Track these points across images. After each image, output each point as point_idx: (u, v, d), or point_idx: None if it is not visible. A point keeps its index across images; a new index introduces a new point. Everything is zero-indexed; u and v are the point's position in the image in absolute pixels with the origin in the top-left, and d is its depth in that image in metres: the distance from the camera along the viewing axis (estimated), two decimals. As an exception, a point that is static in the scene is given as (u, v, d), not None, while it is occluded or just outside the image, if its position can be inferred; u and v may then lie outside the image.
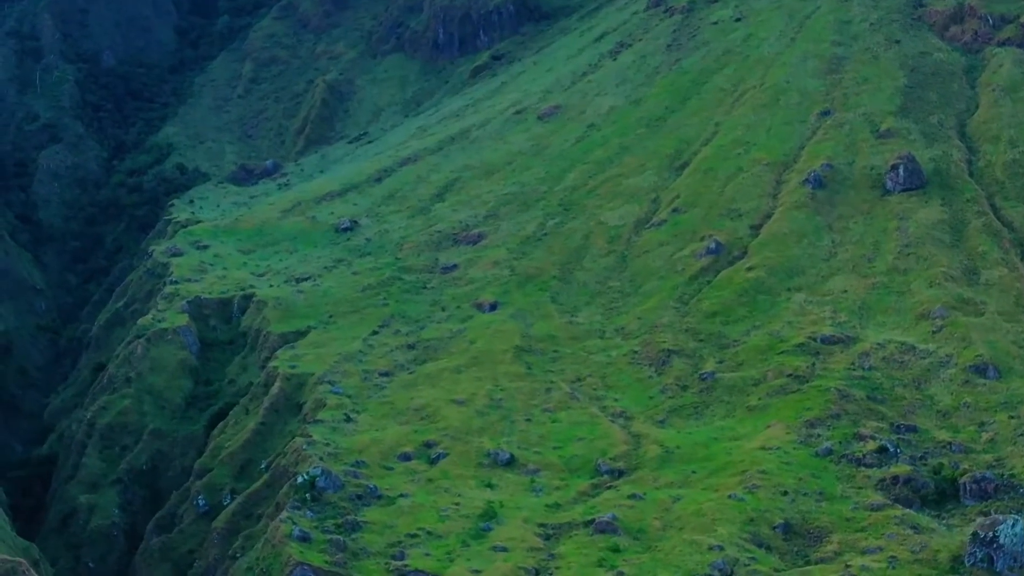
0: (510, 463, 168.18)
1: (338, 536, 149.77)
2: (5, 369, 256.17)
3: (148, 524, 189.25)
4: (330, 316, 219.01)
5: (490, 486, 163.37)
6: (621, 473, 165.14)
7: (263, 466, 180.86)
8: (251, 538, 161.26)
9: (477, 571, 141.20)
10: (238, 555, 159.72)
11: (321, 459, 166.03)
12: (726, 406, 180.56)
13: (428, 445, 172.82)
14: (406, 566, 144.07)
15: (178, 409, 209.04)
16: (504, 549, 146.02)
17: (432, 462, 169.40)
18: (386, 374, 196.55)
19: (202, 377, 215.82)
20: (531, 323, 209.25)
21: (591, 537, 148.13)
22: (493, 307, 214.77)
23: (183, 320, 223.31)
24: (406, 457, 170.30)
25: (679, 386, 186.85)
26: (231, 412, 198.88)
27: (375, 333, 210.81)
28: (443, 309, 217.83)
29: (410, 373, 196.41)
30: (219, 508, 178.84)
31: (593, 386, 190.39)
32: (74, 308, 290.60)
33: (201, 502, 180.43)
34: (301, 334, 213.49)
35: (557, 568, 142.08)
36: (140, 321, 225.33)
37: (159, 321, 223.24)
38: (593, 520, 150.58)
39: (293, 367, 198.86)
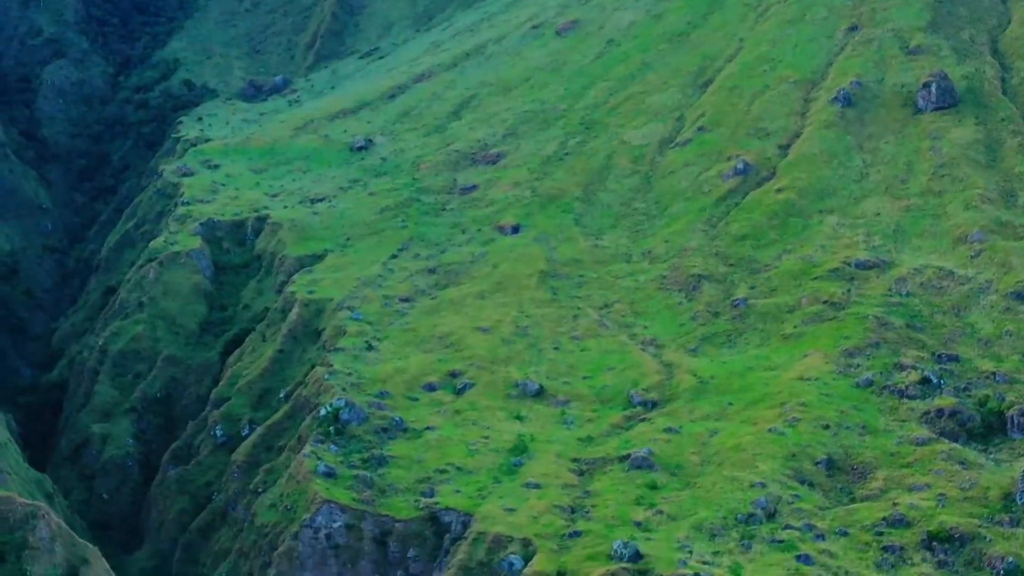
0: (539, 394, 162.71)
1: (364, 472, 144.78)
2: (12, 291, 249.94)
3: (163, 455, 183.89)
4: (347, 239, 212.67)
5: (519, 418, 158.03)
6: (654, 405, 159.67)
7: (282, 396, 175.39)
8: (273, 472, 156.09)
9: (510, 509, 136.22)
10: (260, 490, 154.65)
11: (344, 390, 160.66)
12: (760, 334, 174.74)
13: (453, 375, 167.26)
14: (436, 504, 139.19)
15: (192, 335, 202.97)
16: (537, 486, 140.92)
17: (458, 393, 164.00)
18: (407, 300, 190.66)
19: (216, 302, 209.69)
20: (555, 247, 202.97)
21: (627, 473, 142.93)
22: (515, 230, 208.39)
23: (196, 243, 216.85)
24: (431, 387, 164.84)
25: (711, 313, 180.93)
26: (247, 339, 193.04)
27: (394, 257, 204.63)
28: (463, 232, 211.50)
29: (432, 299, 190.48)
30: (237, 439, 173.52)
31: (621, 313, 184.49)
32: (81, 228, 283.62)
33: (218, 433, 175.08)
34: (318, 257, 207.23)
35: (593, 506, 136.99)
36: (152, 244, 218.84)
37: (171, 244, 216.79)
38: (628, 455, 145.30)
39: (311, 292, 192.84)
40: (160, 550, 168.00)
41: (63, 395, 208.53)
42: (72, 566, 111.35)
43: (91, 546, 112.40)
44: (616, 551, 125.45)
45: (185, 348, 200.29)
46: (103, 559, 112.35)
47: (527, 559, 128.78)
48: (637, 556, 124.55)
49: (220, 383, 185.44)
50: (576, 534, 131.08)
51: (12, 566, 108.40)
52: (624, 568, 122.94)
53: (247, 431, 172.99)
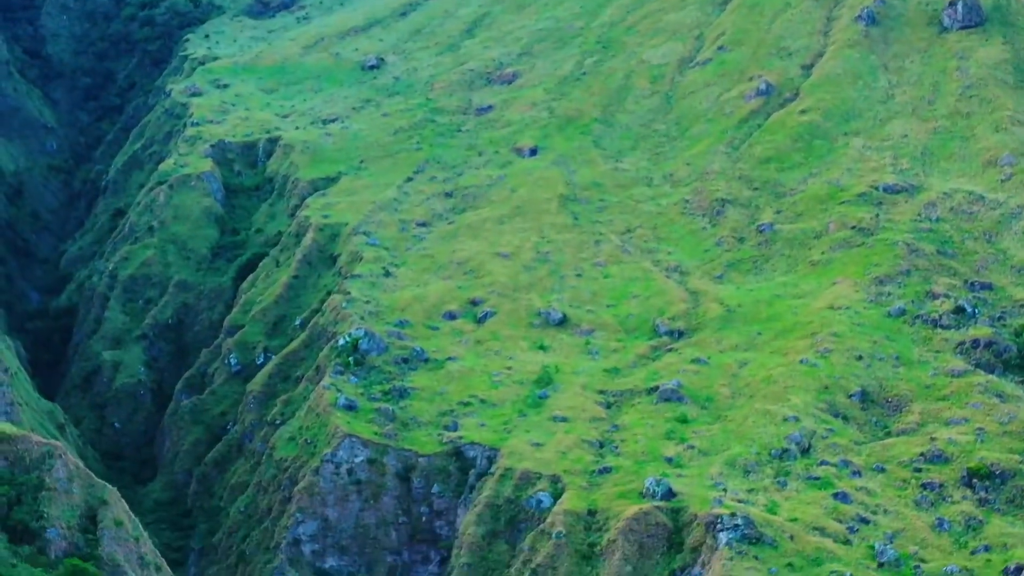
0: (562, 323, 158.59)
1: (386, 404, 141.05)
2: (18, 213, 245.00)
3: (176, 383, 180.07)
4: (361, 161, 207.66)
5: (543, 348, 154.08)
6: (681, 334, 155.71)
7: (297, 323, 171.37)
8: (290, 404, 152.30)
9: (537, 444, 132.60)
10: (277, 422, 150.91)
11: (362, 318, 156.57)
12: (787, 260, 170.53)
13: (474, 303, 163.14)
14: (460, 438, 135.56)
15: (204, 260, 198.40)
16: (564, 419, 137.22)
17: (479, 321, 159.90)
18: (424, 224, 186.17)
19: (228, 226, 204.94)
20: (574, 169, 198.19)
21: (655, 406, 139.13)
22: (533, 152, 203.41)
23: (206, 165, 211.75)
24: (451, 316, 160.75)
25: (735, 238, 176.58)
26: (261, 264, 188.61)
27: (410, 180, 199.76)
28: (480, 154, 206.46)
29: (449, 223, 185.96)
30: (252, 367, 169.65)
31: (644, 238, 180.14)
32: (87, 148, 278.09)
33: (233, 361, 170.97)
34: (331, 180, 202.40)
35: (622, 441, 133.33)
36: (161, 167, 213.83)
37: (181, 166, 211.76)
38: (657, 387, 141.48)
39: (326, 217, 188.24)
40: (174, 481, 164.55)
41: (72, 321, 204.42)
42: (90, 507, 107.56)
43: (109, 486, 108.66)
44: (648, 489, 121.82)
45: (196, 273, 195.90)
46: (122, 499, 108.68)
47: (556, 496, 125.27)
48: (670, 494, 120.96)
49: (234, 310, 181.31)
50: (606, 470, 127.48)
51: (28, 507, 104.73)
52: (657, 507, 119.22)
53: (262, 360, 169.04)
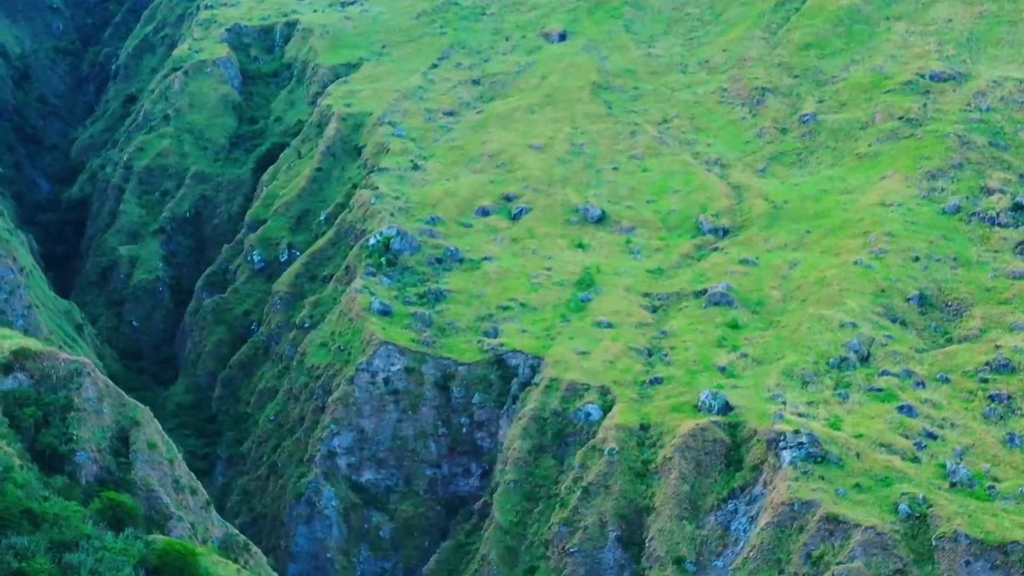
0: (601, 220, 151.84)
1: (422, 309, 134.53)
2: (25, 97, 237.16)
3: (195, 279, 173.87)
4: (383, 47, 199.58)
5: (582, 247, 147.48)
6: (726, 232, 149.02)
7: (322, 218, 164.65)
8: (320, 306, 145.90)
9: (583, 352, 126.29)
10: (306, 325, 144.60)
11: (392, 215, 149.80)
12: (832, 153, 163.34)
13: (508, 198, 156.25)
14: (502, 345, 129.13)
15: (222, 150, 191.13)
16: (609, 325, 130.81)
17: (514, 218, 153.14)
18: (451, 114, 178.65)
19: (246, 114, 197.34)
20: (606, 55, 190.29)
21: (704, 310, 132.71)
22: (562, 37, 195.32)
23: (223, 51, 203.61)
24: (484, 212, 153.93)
25: (777, 129, 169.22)
26: (281, 156, 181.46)
27: (434, 67, 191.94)
28: (507, 39, 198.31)
29: (478, 113, 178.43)
30: (276, 264, 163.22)
31: (681, 128, 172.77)
32: (94, 30, 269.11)
33: (256, 258, 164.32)
34: (353, 67, 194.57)
35: (672, 349, 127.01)
36: (175, 52, 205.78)
37: (196, 52, 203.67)
38: (705, 290, 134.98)
39: (348, 106, 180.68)
40: (197, 384, 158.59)
41: (85, 213, 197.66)
42: (122, 428, 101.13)
43: (141, 406, 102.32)
44: (703, 402, 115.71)
45: (214, 164, 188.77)
46: (155, 419, 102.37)
47: (605, 409, 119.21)
48: (726, 407, 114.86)
49: (255, 203, 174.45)
50: (656, 381, 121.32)
51: (57, 430, 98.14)
52: (714, 422, 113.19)
53: (286, 257, 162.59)
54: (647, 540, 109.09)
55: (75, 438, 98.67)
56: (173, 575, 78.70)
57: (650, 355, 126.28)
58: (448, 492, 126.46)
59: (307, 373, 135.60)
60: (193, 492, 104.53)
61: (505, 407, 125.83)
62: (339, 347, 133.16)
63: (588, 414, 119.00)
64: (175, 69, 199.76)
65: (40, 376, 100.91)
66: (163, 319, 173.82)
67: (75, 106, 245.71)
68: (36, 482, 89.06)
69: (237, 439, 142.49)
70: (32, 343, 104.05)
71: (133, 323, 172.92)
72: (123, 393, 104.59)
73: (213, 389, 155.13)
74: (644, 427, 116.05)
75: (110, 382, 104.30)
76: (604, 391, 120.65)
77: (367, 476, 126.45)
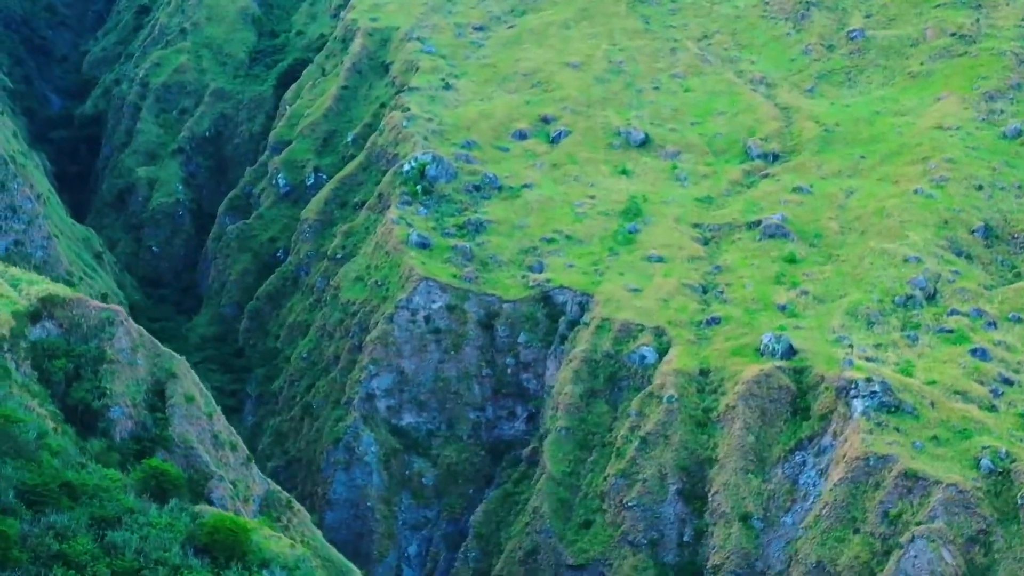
0: (645, 144, 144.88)
1: (461, 241, 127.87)
2: (32, 7, 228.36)
3: (216, 202, 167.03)
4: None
5: (625, 173, 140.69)
6: (775, 157, 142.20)
7: (350, 139, 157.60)
8: (352, 236, 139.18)
9: (634, 290, 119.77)
10: (338, 256, 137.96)
11: (425, 139, 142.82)
12: (883, 71, 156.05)
13: (545, 120, 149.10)
14: (548, 281, 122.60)
15: (241, 66, 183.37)
16: (660, 259, 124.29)
17: (553, 141, 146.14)
18: (481, 28, 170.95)
19: (266, 28, 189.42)
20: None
21: (759, 243, 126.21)
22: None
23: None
24: (522, 135, 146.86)
25: (824, 46, 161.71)
26: (304, 72, 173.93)
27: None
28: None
29: (509, 28, 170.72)
30: (301, 188, 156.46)
31: (723, 45, 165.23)
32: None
33: (281, 182, 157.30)
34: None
35: (728, 285, 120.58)
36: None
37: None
38: (759, 221, 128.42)
39: (374, 20, 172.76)
40: (222, 315, 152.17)
41: (99, 131, 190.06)
42: (157, 380, 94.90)
43: (177, 356, 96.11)
44: (766, 345, 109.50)
45: (234, 81, 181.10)
46: (191, 370, 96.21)
47: (661, 352, 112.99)
48: (790, 351, 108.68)
49: (279, 123, 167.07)
50: (714, 321, 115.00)
51: (89, 383, 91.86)
52: (778, 367, 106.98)
53: (312, 180, 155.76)
54: (710, 494, 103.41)
55: (108, 392, 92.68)
56: (223, 552, 72.62)
57: (705, 292, 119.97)
58: (493, 437, 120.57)
59: (342, 309, 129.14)
60: (233, 448, 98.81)
61: (552, 347, 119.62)
62: (376, 282, 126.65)
63: (643, 357, 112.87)
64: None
65: (70, 325, 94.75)
66: (184, 244, 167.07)
67: (84, 16, 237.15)
68: (72, 447, 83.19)
69: (267, 376, 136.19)
70: (60, 289, 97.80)
71: (153, 248, 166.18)
72: (157, 343, 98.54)
73: (239, 321, 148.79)
74: (704, 372, 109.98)
75: (144, 331, 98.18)
76: (659, 332, 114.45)
77: (407, 419, 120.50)
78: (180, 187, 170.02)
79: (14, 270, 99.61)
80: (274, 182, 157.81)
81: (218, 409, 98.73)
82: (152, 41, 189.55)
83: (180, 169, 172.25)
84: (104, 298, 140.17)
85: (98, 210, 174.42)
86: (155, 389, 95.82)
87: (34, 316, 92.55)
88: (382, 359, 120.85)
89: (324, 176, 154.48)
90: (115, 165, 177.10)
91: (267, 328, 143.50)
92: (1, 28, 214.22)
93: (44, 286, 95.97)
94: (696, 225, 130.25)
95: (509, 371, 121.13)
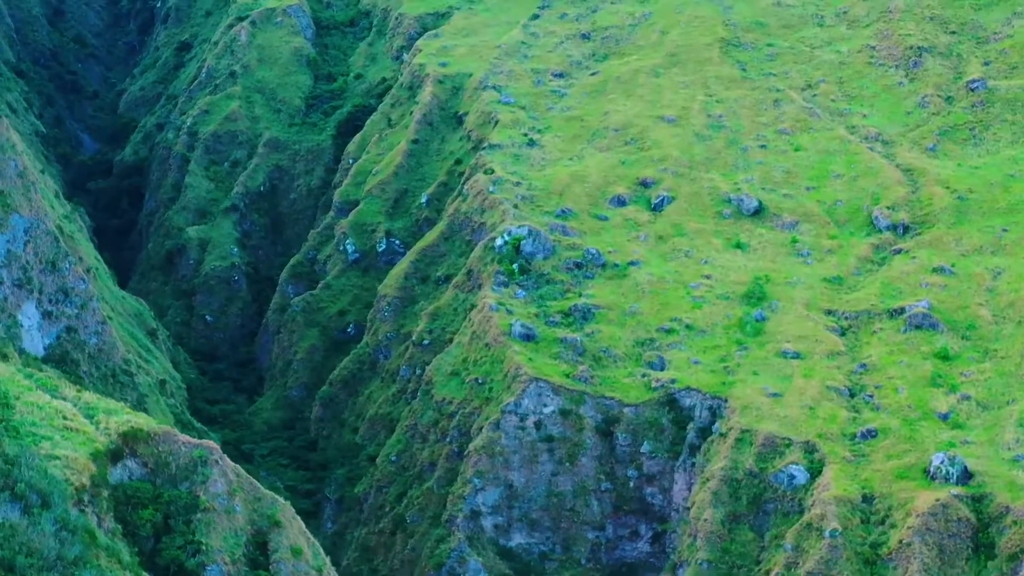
0: (758, 213, 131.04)
1: (569, 331, 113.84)
2: (61, 39, 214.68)
3: (273, 266, 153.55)
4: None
5: (740, 247, 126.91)
6: (906, 229, 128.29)
7: (424, 201, 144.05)
8: (438, 318, 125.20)
9: (775, 394, 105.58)
10: (425, 341, 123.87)
11: (515, 206, 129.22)
12: (1010, 128, 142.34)
13: (645, 184, 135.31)
14: (673, 382, 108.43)
15: (297, 113, 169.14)
16: (796, 355, 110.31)
17: (655, 209, 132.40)
18: (562, 75, 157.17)
19: (322, 71, 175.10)
20: (730, 5, 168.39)
21: (904, 335, 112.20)
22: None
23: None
24: (620, 201, 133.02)
25: (941, 98, 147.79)
26: (368, 122, 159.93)
27: (535, 17, 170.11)
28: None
29: (592, 75, 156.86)
30: (372, 255, 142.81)
31: (830, 95, 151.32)
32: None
33: (349, 248, 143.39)
34: (441, 16, 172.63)
35: (877, 388, 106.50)
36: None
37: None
38: (901, 309, 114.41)
39: (444, 65, 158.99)
40: (288, 398, 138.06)
41: (142, 181, 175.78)
42: (259, 530, 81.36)
43: (280, 500, 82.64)
44: (938, 468, 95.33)
45: (289, 129, 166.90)
46: (297, 517, 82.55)
47: (812, 471, 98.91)
48: (965, 474, 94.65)
49: (343, 180, 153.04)
50: (870, 434, 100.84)
51: (181, 537, 78.32)
52: (955, 495, 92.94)
53: (383, 246, 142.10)
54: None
55: (204, 547, 79.00)
56: None
57: (852, 396, 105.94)
58: (614, 559, 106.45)
59: (436, 408, 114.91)
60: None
61: (681, 458, 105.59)
62: (476, 380, 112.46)
63: (792, 476, 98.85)
64: (240, 18, 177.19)
65: (156, 465, 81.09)
66: (240, 313, 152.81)
67: (114, 47, 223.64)
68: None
69: (349, 478, 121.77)
70: (144, 420, 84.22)
71: (206, 318, 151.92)
72: (257, 484, 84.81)
73: (308, 406, 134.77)
74: (867, 498, 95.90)
75: (241, 471, 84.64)
76: (809, 447, 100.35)
77: (517, 540, 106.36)
78: (235, 249, 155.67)
79: (88, 396, 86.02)
80: (341, 248, 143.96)
81: (327, 561, 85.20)
82: (199, 85, 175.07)
83: (234, 228, 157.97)
84: (162, 385, 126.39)
85: (144, 272, 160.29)
86: (256, 540, 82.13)
87: (115, 455, 79.05)
88: (488, 471, 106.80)
89: (396, 241, 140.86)
90: (161, 222, 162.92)
91: (343, 418, 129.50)
92: (30, 63, 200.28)
93: (124, 417, 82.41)
94: (829, 312, 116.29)
95: (631, 485, 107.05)
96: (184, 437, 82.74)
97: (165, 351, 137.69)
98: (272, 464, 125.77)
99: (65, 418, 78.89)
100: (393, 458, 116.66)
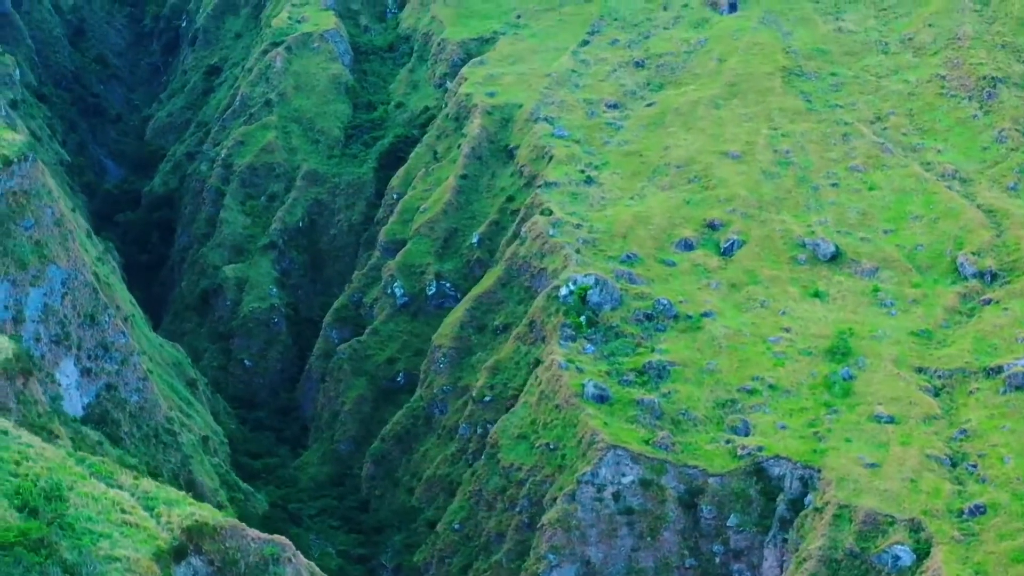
0: (836, 258, 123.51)
1: (645, 392, 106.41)
2: (82, 59, 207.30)
3: (313, 306, 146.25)
4: (518, 16, 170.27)
5: (819, 295, 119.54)
6: (993, 276, 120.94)
7: (475, 240, 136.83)
8: (498, 373, 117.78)
9: (872, 465, 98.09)
10: (486, 398, 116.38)
11: (577, 251, 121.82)
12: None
13: (712, 226, 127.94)
14: (760, 450, 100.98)
15: (336, 144, 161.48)
16: (891, 419, 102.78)
17: (724, 253, 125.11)
18: (616, 107, 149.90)
19: (361, 99, 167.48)
20: (788, 31, 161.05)
21: (1004, 397, 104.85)
22: (732, 7, 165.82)
23: (329, 21, 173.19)
24: (687, 245, 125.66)
25: (1020, 132, 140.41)
26: (412, 154, 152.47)
27: (584, 43, 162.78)
28: (665, 8, 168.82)
29: (649, 105, 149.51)
30: (421, 299, 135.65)
31: (901, 129, 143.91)
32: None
33: (398, 291, 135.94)
34: (486, 42, 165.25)
35: (980, 458, 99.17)
36: (273, 23, 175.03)
37: (298, 21, 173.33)
38: (999, 368, 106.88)
39: (491, 95, 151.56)
40: (336, 452, 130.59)
41: (172, 214, 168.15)
42: (334, 637, 73.74)
43: (357, 602, 75.30)
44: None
45: (328, 161, 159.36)
46: (377, 620, 75.34)
47: (918, 552, 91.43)
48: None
49: (388, 217, 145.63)
50: (978, 510, 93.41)
51: (254, 648, 70.75)
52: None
53: (433, 289, 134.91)
54: None
55: (278, 660, 71.67)
56: None
57: (954, 466, 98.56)
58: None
59: (502, 473, 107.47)
60: None
61: (771, 533, 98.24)
62: (547, 445, 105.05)
63: (897, 558, 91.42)
64: (275, 44, 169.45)
65: (223, 562, 73.82)
66: (280, 358, 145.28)
67: (137, 67, 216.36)
68: None
69: (407, 545, 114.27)
70: (209, 513, 77.10)
71: (245, 362, 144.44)
72: (333, 584, 77.11)
73: (356, 461, 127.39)
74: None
75: (315, 568, 77.35)
76: (914, 526, 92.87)
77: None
78: (273, 289, 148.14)
79: (147, 484, 78.65)
80: (389, 291, 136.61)
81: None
82: (232, 114, 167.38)
83: (272, 267, 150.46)
84: (205, 442, 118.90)
85: (177, 312, 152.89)
86: (332, 649, 74.47)
87: (179, 553, 71.82)
88: (563, 546, 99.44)
89: (447, 284, 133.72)
90: (195, 259, 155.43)
91: (396, 477, 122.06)
92: (51, 86, 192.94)
93: (187, 509, 75.30)
94: (920, 370, 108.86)
95: (717, 560, 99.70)
96: (254, 532, 75.64)
97: (205, 401, 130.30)
98: (322, 526, 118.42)
99: (123, 511, 71.63)
100: (456, 526, 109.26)
